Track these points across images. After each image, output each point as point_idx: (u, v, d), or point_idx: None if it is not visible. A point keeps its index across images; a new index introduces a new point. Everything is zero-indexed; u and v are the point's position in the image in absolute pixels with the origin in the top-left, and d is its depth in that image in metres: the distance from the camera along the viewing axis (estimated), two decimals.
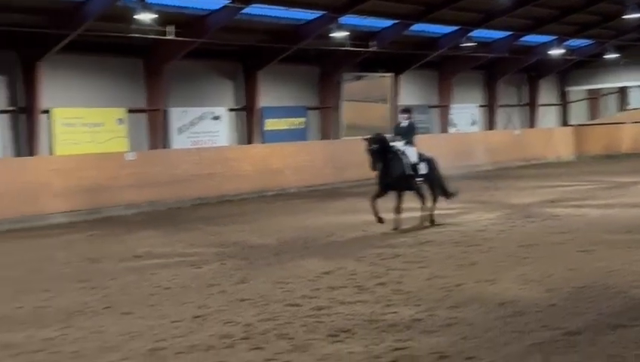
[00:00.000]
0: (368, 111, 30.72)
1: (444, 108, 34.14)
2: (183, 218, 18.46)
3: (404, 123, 15.44)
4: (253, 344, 7.31)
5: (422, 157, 15.13)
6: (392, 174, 14.58)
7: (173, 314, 8.76)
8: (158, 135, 23.69)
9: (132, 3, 20.09)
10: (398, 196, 14.87)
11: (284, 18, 24.82)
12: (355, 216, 17.06)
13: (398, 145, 14.89)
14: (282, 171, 24.61)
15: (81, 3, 19.66)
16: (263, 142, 26.30)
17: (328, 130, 29.18)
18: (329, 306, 8.70)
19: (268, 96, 26.79)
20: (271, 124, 27.16)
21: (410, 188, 14.86)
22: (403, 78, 31.84)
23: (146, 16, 20.39)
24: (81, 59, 21.48)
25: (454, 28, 30.10)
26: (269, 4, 23.17)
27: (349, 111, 29.85)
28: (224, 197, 22.28)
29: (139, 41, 21.69)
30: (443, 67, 33.46)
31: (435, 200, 15.32)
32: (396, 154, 14.68)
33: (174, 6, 21.82)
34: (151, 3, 20.43)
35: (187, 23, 22.25)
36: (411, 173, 14.72)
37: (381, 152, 14.39)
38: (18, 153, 20.60)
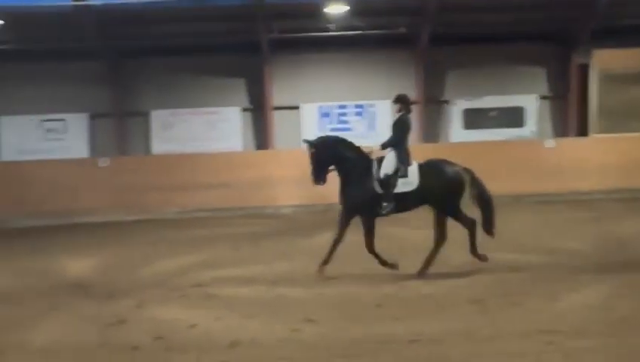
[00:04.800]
0: None
1: None
2: None
3: (395, 117, 9.74)
4: None
5: (415, 167, 9.27)
6: (349, 193, 9.35)
7: None
8: None
9: None
10: (364, 225, 9.36)
11: None
12: None
13: (372, 150, 9.41)
14: None
15: None
16: None
17: None
18: None
19: None
20: None
21: (374, 214, 9.29)
22: None
23: None
24: None
25: None
26: None
27: None
28: None
29: None
30: None
31: (469, 231, 9.30)
32: (356, 164, 9.31)
33: None
34: None
35: None
36: (378, 191, 9.18)
37: (327, 160, 9.28)
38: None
